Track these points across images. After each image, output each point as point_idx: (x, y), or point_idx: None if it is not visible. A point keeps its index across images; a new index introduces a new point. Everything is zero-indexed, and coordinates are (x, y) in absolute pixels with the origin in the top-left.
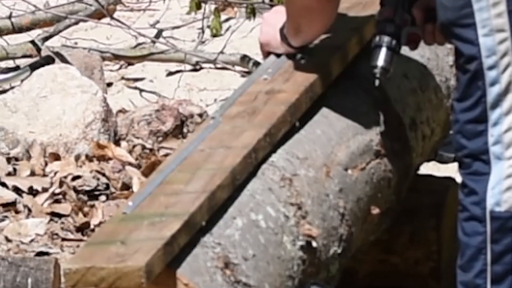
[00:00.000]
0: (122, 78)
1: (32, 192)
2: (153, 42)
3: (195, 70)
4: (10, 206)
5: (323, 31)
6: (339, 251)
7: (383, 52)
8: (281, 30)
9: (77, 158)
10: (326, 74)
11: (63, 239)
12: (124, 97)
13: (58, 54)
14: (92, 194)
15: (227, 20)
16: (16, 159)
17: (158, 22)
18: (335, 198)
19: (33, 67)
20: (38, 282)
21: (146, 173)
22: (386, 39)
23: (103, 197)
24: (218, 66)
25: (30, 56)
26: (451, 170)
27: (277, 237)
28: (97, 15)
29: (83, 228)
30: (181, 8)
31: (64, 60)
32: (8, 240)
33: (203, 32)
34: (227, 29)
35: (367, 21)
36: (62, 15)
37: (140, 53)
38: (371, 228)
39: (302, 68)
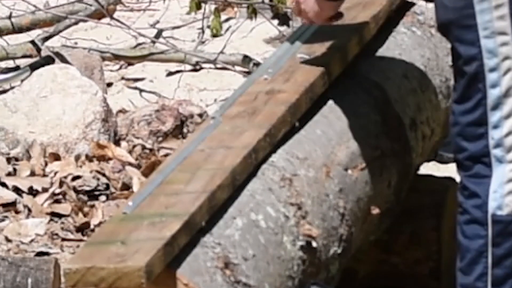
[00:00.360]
0: (122, 78)
1: (32, 192)
2: (153, 42)
3: (195, 70)
4: (10, 206)
5: None
6: (339, 251)
7: None
8: None
9: (77, 158)
10: (326, 74)
11: (63, 239)
12: (124, 97)
13: (58, 54)
14: (92, 194)
15: (227, 20)
16: (16, 159)
17: (158, 22)
18: (335, 198)
19: (33, 67)
20: (38, 282)
21: (146, 173)
22: None
23: (103, 197)
24: (218, 66)
25: (30, 56)
26: (451, 170)
27: (277, 237)
28: (97, 15)
29: (83, 228)
30: (181, 8)
31: (64, 60)
32: (8, 240)
33: (203, 32)
34: (227, 29)
35: (367, 21)
36: (62, 15)
37: (140, 53)
38: (371, 228)
39: (302, 68)
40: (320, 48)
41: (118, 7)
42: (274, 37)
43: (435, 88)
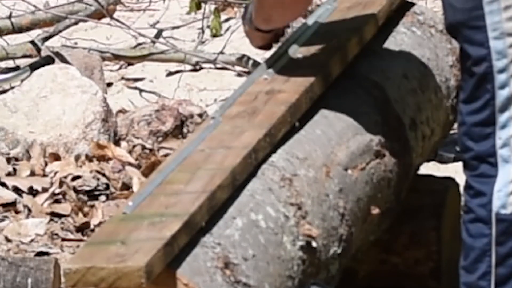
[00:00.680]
0: (122, 78)
1: (32, 192)
2: (153, 42)
3: (195, 70)
4: (10, 206)
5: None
6: (339, 251)
7: None
8: (244, 15)
9: (77, 158)
10: (326, 74)
11: (63, 239)
12: (124, 97)
13: (58, 54)
14: (92, 194)
15: (227, 20)
16: (16, 159)
17: (158, 22)
18: (335, 198)
19: (33, 67)
20: (38, 282)
21: (146, 173)
22: None
23: (103, 197)
24: (218, 66)
25: (30, 56)
26: (451, 170)
27: (277, 237)
28: (97, 15)
29: (83, 228)
30: (181, 8)
31: (64, 60)
32: (8, 240)
33: (203, 32)
34: (227, 29)
35: (367, 21)
36: (62, 15)
37: (140, 53)
38: (371, 228)
39: (302, 68)
40: (320, 48)
41: (118, 7)
42: None
43: (435, 88)
